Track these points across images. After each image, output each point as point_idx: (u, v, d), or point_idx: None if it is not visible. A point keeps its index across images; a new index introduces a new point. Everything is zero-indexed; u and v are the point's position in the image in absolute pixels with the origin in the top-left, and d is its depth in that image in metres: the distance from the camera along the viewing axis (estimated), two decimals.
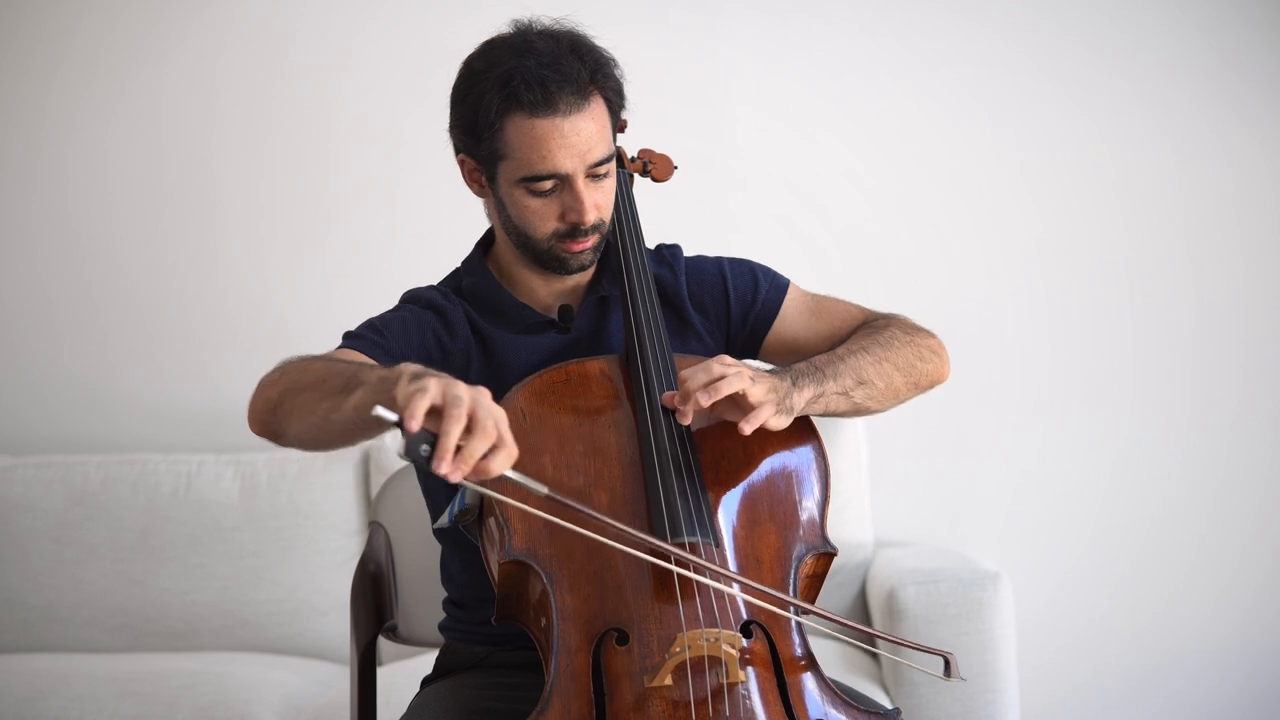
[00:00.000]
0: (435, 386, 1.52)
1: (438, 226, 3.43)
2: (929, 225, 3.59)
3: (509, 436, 1.54)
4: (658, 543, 1.68)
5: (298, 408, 1.76)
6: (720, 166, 3.57)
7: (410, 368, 1.59)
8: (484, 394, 1.54)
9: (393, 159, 3.65)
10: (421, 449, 1.50)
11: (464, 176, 2.04)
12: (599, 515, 1.64)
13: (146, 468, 3.51)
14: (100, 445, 3.67)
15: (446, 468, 1.50)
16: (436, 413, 1.51)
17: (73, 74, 3.74)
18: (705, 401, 1.80)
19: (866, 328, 2.08)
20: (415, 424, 1.49)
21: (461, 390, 1.52)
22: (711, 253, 2.18)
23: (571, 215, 1.95)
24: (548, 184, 1.94)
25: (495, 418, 1.53)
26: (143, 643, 3.43)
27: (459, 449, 1.51)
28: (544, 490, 1.58)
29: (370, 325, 2.01)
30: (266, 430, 1.84)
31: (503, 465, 1.54)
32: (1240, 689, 3.56)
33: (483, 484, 1.58)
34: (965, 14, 3.57)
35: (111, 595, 3.44)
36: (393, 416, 1.50)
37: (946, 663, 1.80)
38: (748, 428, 1.81)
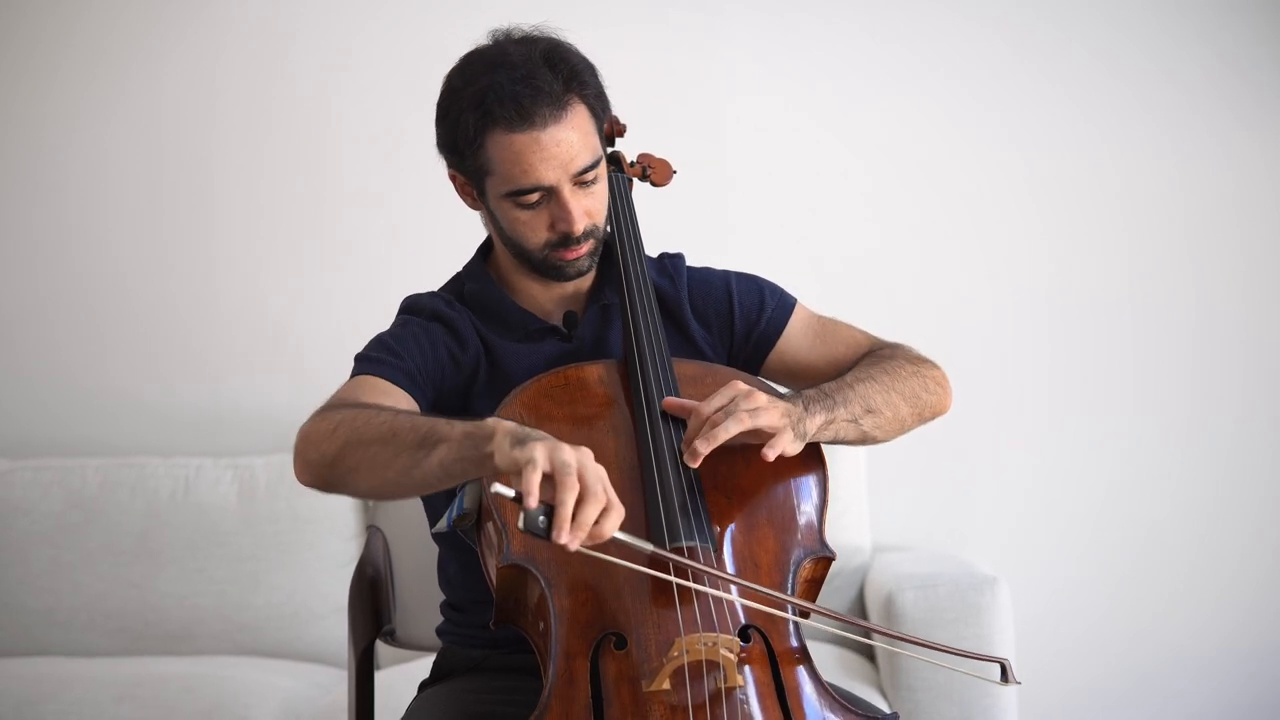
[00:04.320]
0: (542, 454, 1.55)
1: (438, 227, 3.40)
2: (928, 226, 3.58)
3: (615, 497, 1.58)
4: (657, 550, 1.67)
5: (365, 462, 1.73)
6: (719, 166, 3.57)
7: (504, 426, 1.61)
8: (587, 455, 1.57)
9: (393, 159, 3.64)
10: (540, 521, 1.54)
11: (456, 191, 2.03)
12: (700, 566, 1.67)
13: (145, 471, 3.51)
14: (98, 448, 3.66)
15: (566, 537, 1.54)
16: (547, 480, 1.55)
17: (73, 74, 3.74)
18: (727, 435, 1.79)
19: (872, 356, 2.06)
20: (534, 501, 1.53)
21: (568, 455, 1.55)
22: (710, 256, 2.17)
23: (561, 225, 1.94)
24: (534, 196, 1.93)
25: (602, 480, 1.57)
26: (141, 646, 3.43)
27: (574, 516, 1.55)
28: (649, 548, 1.62)
29: (384, 346, 1.96)
30: (321, 482, 1.80)
31: (613, 527, 1.58)
32: (1240, 691, 3.56)
33: (595, 548, 1.60)
34: (966, 15, 3.57)
35: (110, 599, 3.44)
36: (510, 493, 1.54)
37: (1003, 669, 1.80)
38: (771, 454, 1.80)
